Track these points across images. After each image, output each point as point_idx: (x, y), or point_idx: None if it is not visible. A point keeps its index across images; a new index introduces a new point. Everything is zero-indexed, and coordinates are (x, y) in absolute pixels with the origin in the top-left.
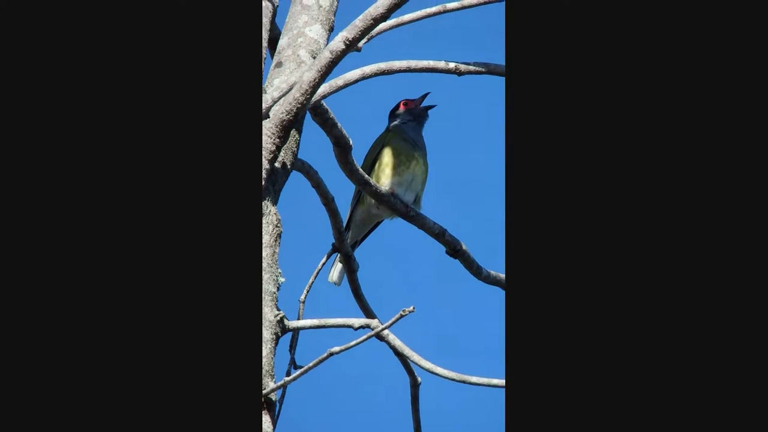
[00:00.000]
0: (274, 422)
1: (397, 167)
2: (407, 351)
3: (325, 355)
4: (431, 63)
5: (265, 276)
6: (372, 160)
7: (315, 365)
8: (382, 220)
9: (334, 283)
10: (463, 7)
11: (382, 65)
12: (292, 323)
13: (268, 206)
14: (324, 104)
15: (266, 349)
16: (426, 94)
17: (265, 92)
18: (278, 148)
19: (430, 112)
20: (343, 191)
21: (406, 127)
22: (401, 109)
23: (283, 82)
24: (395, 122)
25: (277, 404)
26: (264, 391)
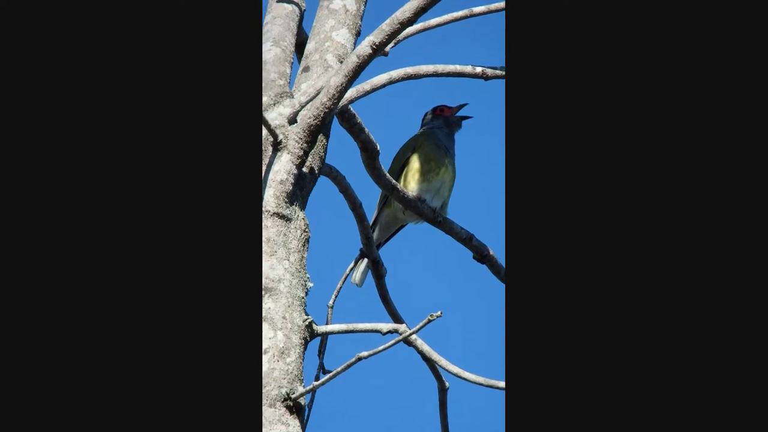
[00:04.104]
0: (303, 426)
1: (426, 173)
2: (435, 356)
3: (353, 359)
4: (458, 67)
5: (294, 281)
6: (401, 164)
7: (343, 370)
8: (407, 224)
9: (356, 284)
10: (490, 12)
11: (409, 70)
12: (321, 328)
13: (296, 211)
14: (351, 109)
15: (295, 354)
16: (463, 105)
17: (293, 97)
18: (306, 153)
19: (463, 122)
20: (370, 196)
21: (439, 133)
22: (436, 114)
23: (310, 87)
24: (428, 126)
25: (306, 409)
26: (293, 396)
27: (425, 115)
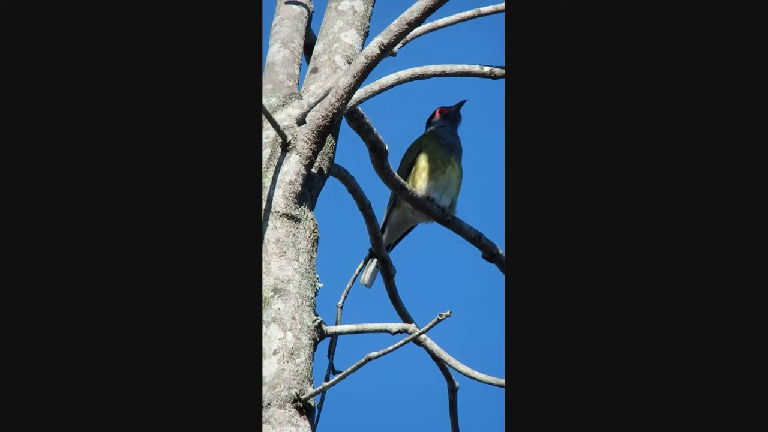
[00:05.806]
0: (314, 427)
1: (433, 172)
2: (445, 355)
3: (363, 360)
4: (466, 67)
5: (303, 281)
6: (408, 165)
7: (353, 370)
8: (417, 224)
9: (366, 285)
10: (498, 11)
11: (417, 70)
12: (330, 328)
13: (305, 212)
14: (360, 109)
15: (305, 355)
16: (463, 102)
17: (301, 98)
18: (315, 154)
19: (462, 111)
20: (379, 196)
21: (443, 131)
22: (437, 116)
23: (318, 88)
24: (432, 127)
25: (316, 409)
26: (303, 397)
27: (428, 119)
